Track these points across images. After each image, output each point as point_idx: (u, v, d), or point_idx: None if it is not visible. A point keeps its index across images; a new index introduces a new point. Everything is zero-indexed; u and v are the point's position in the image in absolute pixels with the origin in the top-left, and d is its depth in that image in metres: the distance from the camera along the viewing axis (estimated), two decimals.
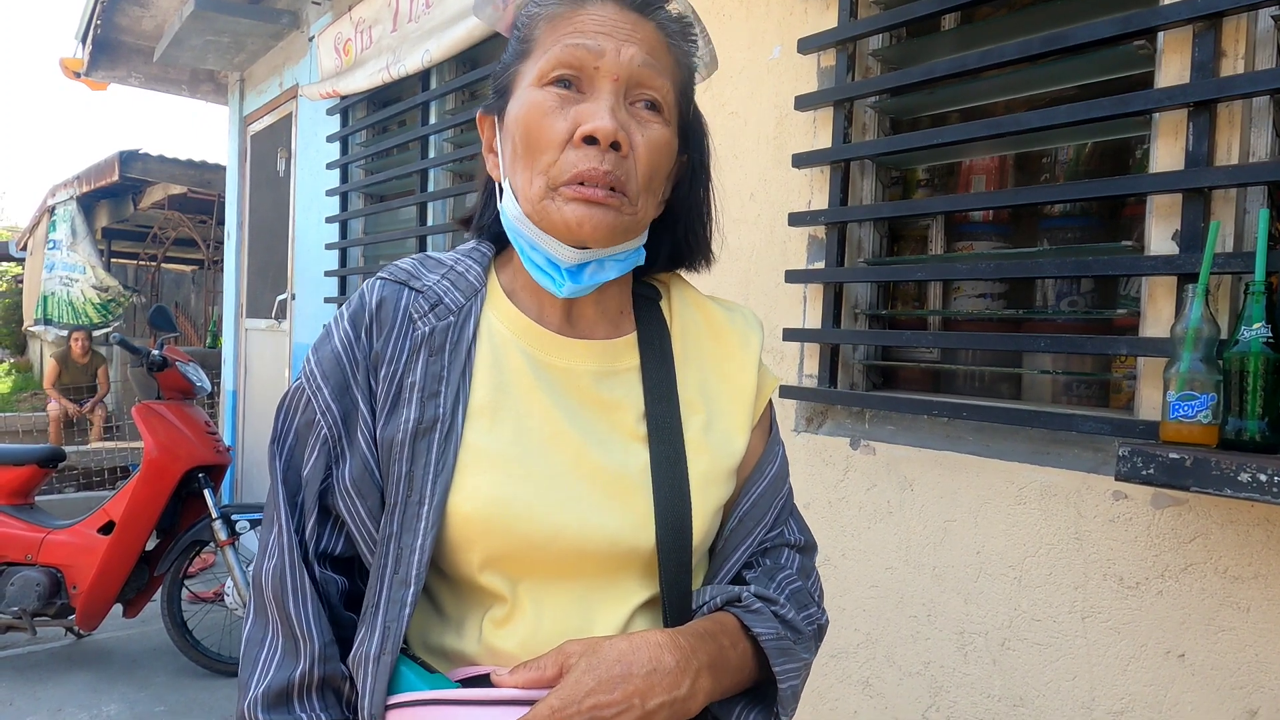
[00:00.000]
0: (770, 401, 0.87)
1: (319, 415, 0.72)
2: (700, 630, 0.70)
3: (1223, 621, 1.20)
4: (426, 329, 0.72)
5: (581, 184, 0.68)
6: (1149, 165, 1.33)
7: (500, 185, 0.76)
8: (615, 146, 0.68)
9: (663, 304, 0.83)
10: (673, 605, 0.74)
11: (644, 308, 0.81)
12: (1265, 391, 1.08)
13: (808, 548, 0.86)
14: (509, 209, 0.74)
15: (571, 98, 0.69)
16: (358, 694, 0.69)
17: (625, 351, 0.78)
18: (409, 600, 0.68)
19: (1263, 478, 0.99)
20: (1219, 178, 1.20)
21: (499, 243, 0.82)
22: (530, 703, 0.64)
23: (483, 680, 0.68)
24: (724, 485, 0.78)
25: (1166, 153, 1.30)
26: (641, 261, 0.78)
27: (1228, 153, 1.23)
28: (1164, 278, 1.29)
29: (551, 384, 0.74)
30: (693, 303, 0.84)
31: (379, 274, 0.77)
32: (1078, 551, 1.36)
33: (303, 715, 0.70)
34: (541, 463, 0.71)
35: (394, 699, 0.68)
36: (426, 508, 0.68)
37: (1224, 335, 1.16)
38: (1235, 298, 1.24)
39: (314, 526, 0.73)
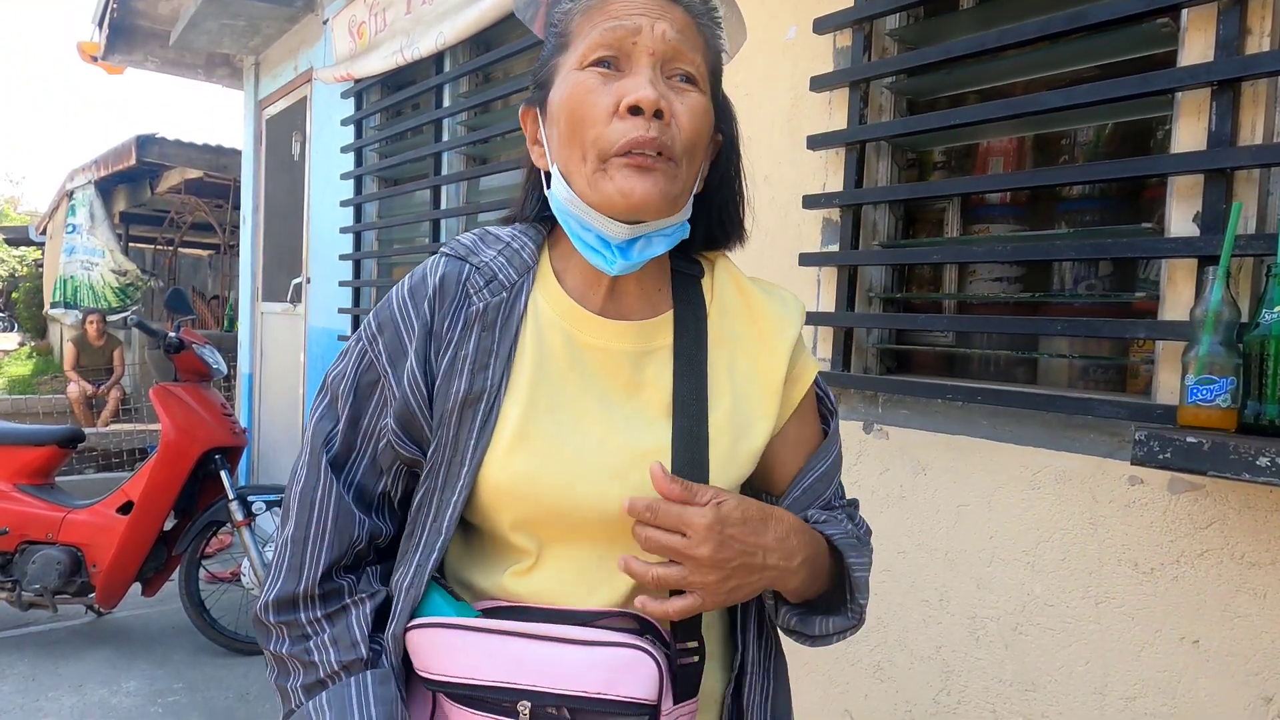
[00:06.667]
0: (819, 392, 0.90)
1: (381, 378, 0.80)
2: (810, 530, 0.80)
3: (1238, 608, 1.19)
4: (480, 305, 0.79)
5: (630, 153, 0.72)
6: (1170, 146, 1.31)
7: (547, 173, 0.81)
8: (659, 115, 0.73)
9: (704, 281, 0.87)
10: None
11: (684, 285, 0.85)
12: None
13: (853, 504, 0.93)
14: (559, 192, 0.79)
15: (613, 76, 0.75)
16: (392, 617, 0.79)
17: (661, 330, 0.82)
18: (439, 546, 0.78)
19: None
20: (1242, 158, 1.18)
21: (551, 224, 0.87)
22: (528, 636, 0.73)
23: (502, 612, 0.78)
24: (743, 468, 0.82)
25: (1188, 133, 1.28)
26: (686, 235, 0.82)
27: (1251, 132, 1.21)
28: (1184, 260, 1.28)
29: (587, 365, 0.80)
30: (734, 283, 0.87)
31: (442, 249, 0.84)
32: (1092, 536, 1.35)
33: (303, 615, 0.79)
34: (570, 440, 0.77)
35: (420, 620, 0.77)
36: (465, 469, 0.77)
37: (1244, 318, 1.14)
38: (1257, 280, 1.22)
39: (365, 467, 0.82)
